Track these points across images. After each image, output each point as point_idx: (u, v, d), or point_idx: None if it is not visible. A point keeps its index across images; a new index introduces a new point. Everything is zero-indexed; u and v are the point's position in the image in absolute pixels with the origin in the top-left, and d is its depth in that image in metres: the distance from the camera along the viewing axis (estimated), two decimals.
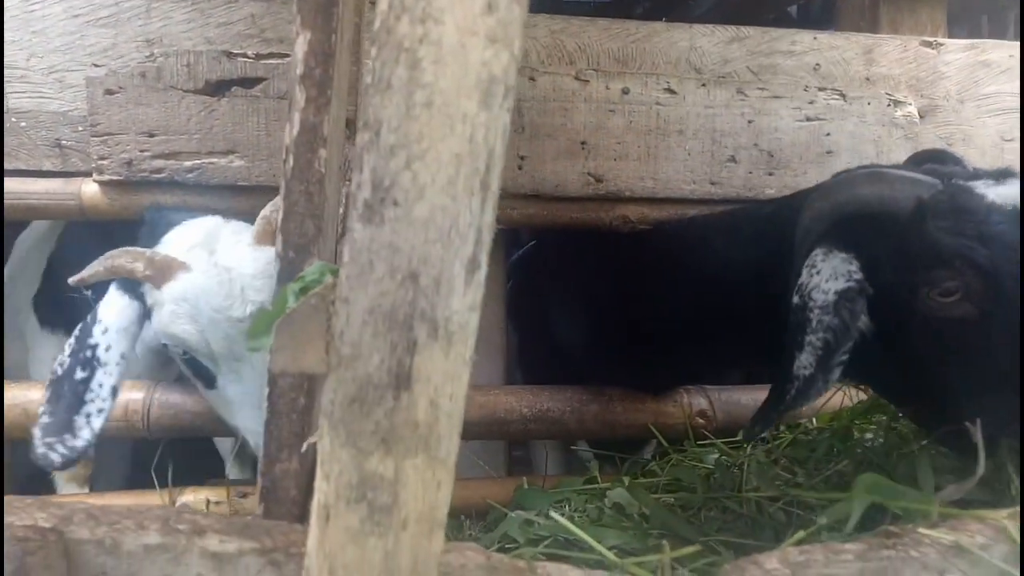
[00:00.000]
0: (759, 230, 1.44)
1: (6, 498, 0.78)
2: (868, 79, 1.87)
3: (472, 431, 1.69)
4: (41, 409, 1.27)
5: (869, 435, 1.46)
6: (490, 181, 0.60)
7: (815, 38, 1.85)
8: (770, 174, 1.84)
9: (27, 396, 1.58)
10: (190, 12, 1.65)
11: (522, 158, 1.75)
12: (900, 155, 1.81)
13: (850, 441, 1.47)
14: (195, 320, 1.34)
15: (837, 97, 1.85)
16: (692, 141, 1.81)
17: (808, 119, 1.84)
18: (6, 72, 1.63)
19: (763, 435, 1.61)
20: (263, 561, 0.76)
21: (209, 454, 2.03)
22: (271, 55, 1.66)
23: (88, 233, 1.53)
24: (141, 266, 1.35)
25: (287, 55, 1.64)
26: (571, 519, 1.26)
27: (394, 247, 0.59)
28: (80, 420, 1.27)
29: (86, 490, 1.84)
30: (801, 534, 0.89)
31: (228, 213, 1.60)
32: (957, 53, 1.91)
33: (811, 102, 1.84)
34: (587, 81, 1.76)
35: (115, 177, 1.64)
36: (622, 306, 1.81)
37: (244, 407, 1.39)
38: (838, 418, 1.57)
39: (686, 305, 1.59)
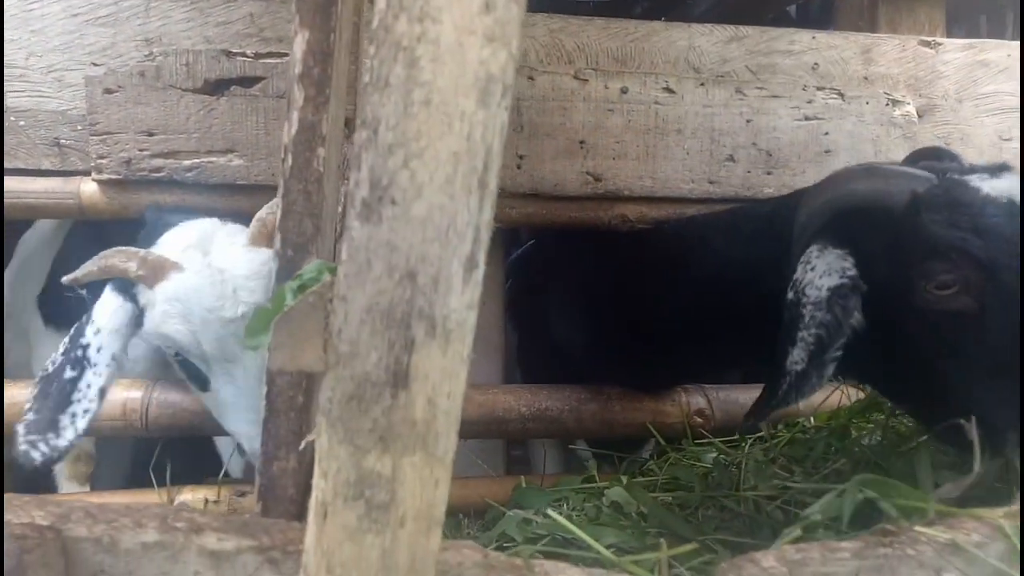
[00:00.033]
0: (758, 229, 1.44)
1: (4, 496, 0.78)
2: (866, 78, 1.87)
3: (470, 430, 1.69)
4: (27, 405, 1.27)
5: (866, 433, 1.46)
6: (488, 179, 0.60)
7: (813, 38, 1.85)
8: (768, 173, 1.84)
9: (24, 395, 1.57)
10: (189, 11, 1.65)
11: (521, 157, 1.75)
12: (898, 154, 1.81)
13: (848, 440, 1.47)
14: (187, 320, 1.34)
15: (835, 96, 1.86)
16: (691, 140, 1.81)
17: (806, 118, 1.85)
18: (5, 71, 1.63)
19: (760, 433, 1.62)
20: (261, 559, 0.76)
21: (208, 453, 2.03)
22: (270, 54, 1.66)
23: (94, 234, 1.54)
24: (134, 266, 1.35)
25: (286, 54, 1.64)
26: (569, 518, 1.26)
27: (392, 245, 0.59)
28: (65, 420, 1.27)
29: (87, 488, 1.84)
30: (797, 532, 0.89)
31: (227, 212, 1.60)
32: (955, 53, 1.91)
33: (809, 101, 1.85)
34: (586, 80, 1.76)
35: (114, 176, 1.64)
36: (621, 305, 1.81)
37: (237, 410, 1.39)
38: (836, 417, 1.58)
39: (685, 304, 1.59)
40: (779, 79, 1.83)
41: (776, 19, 3.51)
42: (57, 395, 1.28)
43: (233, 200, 1.66)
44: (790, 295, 1.18)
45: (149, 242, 1.49)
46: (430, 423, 0.63)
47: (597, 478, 1.54)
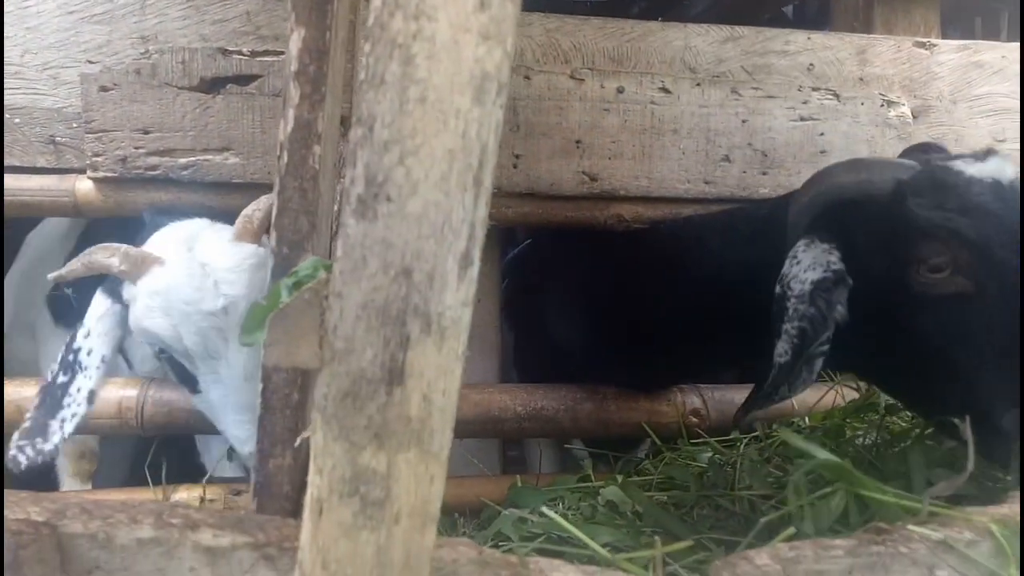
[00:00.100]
0: (756, 230, 1.44)
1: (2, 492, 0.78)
2: (862, 79, 1.88)
3: (467, 429, 1.70)
4: (28, 414, 1.30)
5: (861, 433, 1.47)
6: (483, 177, 0.60)
7: (809, 38, 1.86)
8: (764, 173, 1.85)
9: (20, 393, 1.57)
10: (185, 9, 1.65)
11: (517, 157, 1.76)
12: (893, 155, 1.82)
13: (842, 439, 1.48)
14: (168, 314, 1.33)
15: (831, 97, 1.86)
16: (687, 140, 1.81)
17: (802, 119, 1.85)
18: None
19: (755, 433, 1.62)
20: (256, 555, 0.76)
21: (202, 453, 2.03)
22: (266, 52, 1.66)
23: (108, 233, 1.54)
24: (116, 261, 1.36)
25: (282, 52, 1.64)
26: (564, 517, 1.26)
27: (387, 242, 0.60)
28: (55, 425, 1.29)
29: (88, 486, 1.84)
30: (791, 531, 0.90)
31: (223, 210, 1.60)
32: (950, 54, 1.92)
33: (805, 102, 1.85)
34: (582, 80, 1.77)
35: (110, 174, 1.64)
36: (617, 305, 1.81)
37: (227, 411, 1.38)
38: (830, 416, 1.58)
39: (681, 305, 1.59)
40: (775, 79, 1.84)
41: (772, 20, 3.53)
42: (50, 401, 1.31)
43: (229, 198, 1.66)
44: (777, 289, 1.19)
45: (142, 242, 1.49)
46: (425, 420, 0.63)
47: (593, 477, 1.55)
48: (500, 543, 1.27)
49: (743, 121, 1.83)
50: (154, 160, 1.65)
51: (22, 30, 1.63)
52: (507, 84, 0.60)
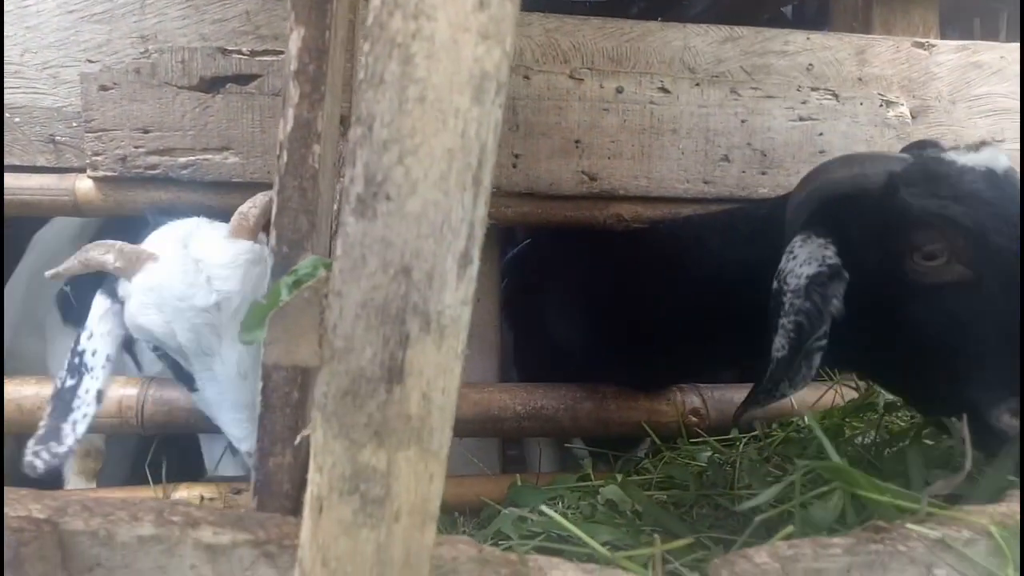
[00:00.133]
0: (755, 230, 1.45)
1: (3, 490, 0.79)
2: (860, 79, 1.88)
3: (466, 428, 1.70)
4: (41, 422, 1.31)
5: (860, 432, 1.47)
6: (482, 176, 0.60)
7: (808, 38, 1.86)
8: (763, 173, 1.85)
9: (20, 392, 1.58)
10: (185, 8, 1.65)
11: (516, 156, 1.76)
12: None
13: (841, 438, 1.48)
14: (161, 310, 1.34)
15: (830, 97, 1.87)
16: (686, 140, 1.82)
17: (801, 119, 1.86)
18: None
19: (755, 432, 1.62)
20: (257, 553, 0.77)
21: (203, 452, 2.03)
22: (266, 52, 1.66)
23: (122, 233, 1.55)
24: (111, 258, 1.36)
25: (282, 52, 1.64)
26: (564, 516, 1.27)
27: (387, 241, 0.60)
28: (67, 427, 1.30)
29: (93, 485, 1.84)
30: (790, 529, 0.90)
31: (223, 210, 1.60)
32: (949, 54, 1.92)
33: (804, 102, 1.85)
34: (581, 80, 1.77)
35: (109, 173, 1.64)
36: (617, 305, 1.82)
37: (224, 409, 1.38)
38: (829, 416, 1.58)
39: (681, 304, 1.59)
40: (774, 80, 1.84)
41: (772, 20, 3.53)
42: (61, 405, 1.32)
43: (228, 197, 1.66)
44: (774, 284, 1.19)
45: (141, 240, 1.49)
46: (424, 418, 0.63)
47: (592, 476, 1.55)
48: (500, 542, 1.27)
49: (742, 121, 1.83)
50: (154, 159, 1.65)
51: (22, 29, 1.63)
52: (506, 83, 0.60)
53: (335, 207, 1.14)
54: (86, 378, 1.34)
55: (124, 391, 1.58)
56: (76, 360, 1.36)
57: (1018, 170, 1.17)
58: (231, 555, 0.77)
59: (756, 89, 1.83)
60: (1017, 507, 0.90)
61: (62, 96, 1.65)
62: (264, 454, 0.94)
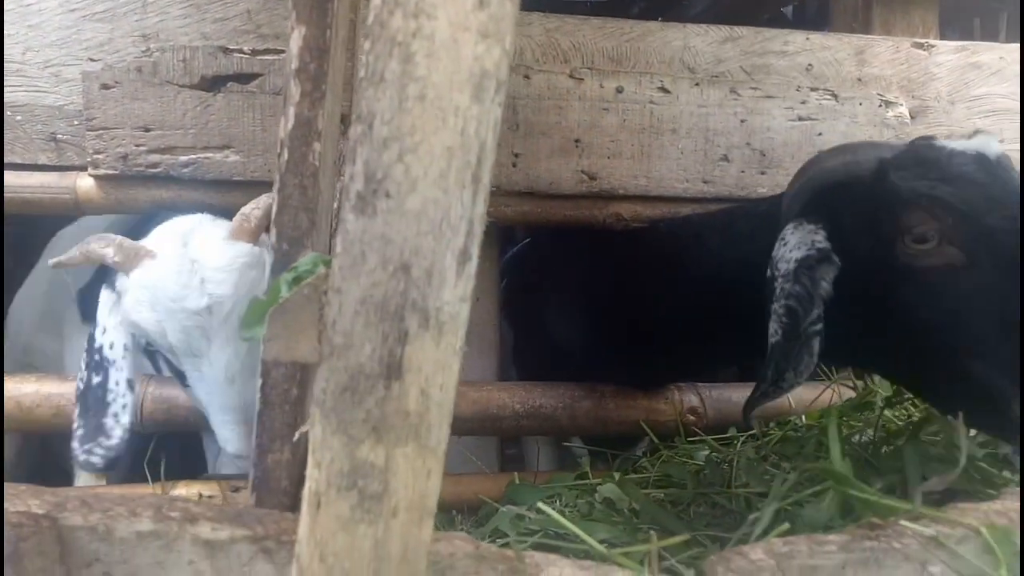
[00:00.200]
0: (754, 228, 1.45)
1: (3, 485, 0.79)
2: (860, 80, 1.88)
3: (465, 427, 1.70)
4: (75, 424, 1.33)
5: (857, 431, 1.47)
6: (481, 174, 0.61)
7: (807, 39, 1.86)
8: (762, 173, 1.86)
9: (20, 390, 1.58)
10: (186, 7, 1.65)
11: (516, 156, 1.76)
12: None
13: (840, 437, 1.48)
14: (154, 308, 1.34)
15: (829, 97, 1.87)
16: (685, 140, 1.82)
17: (800, 119, 1.86)
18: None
19: (752, 431, 1.63)
20: (255, 548, 0.77)
21: (203, 449, 2.03)
22: (267, 51, 1.67)
23: (144, 233, 1.56)
24: (111, 252, 1.37)
25: (283, 51, 1.65)
26: (561, 514, 1.27)
27: (386, 238, 0.60)
28: (110, 421, 1.33)
29: (103, 482, 1.84)
30: (786, 526, 0.91)
31: (223, 208, 1.61)
32: (948, 55, 1.92)
33: (803, 102, 1.86)
34: (581, 79, 1.77)
35: (110, 171, 1.64)
36: (616, 304, 1.82)
37: (213, 410, 1.38)
38: (827, 415, 1.59)
39: (680, 303, 1.60)
40: (773, 80, 1.84)
41: (772, 20, 3.53)
42: (95, 403, 1.34)
43: (229, 196, 1.66)
44: (768, 272, 1.20)
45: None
46: (423, 414, 0.64)
47: (590, 475, 1.55)
48: (497, 539, 1.27)
49: (742, 121, 1.84)
50: (155, 158, 1.65)
51: (24, 28, 1.63)
52: (506, 82, 0.60)
53: (335, 204, 1.15)
54: (112, 371, 1.36)
55: None
56: (96, 357, 1.38)
57: (1017, 166, 1.17)
58: (229, 551, 0.77)
59: (756, 89, 1.83)
60: (1012, 504, 0.90)
61: (64, 94, 1.66)
62: (263, 450, 0.94)
